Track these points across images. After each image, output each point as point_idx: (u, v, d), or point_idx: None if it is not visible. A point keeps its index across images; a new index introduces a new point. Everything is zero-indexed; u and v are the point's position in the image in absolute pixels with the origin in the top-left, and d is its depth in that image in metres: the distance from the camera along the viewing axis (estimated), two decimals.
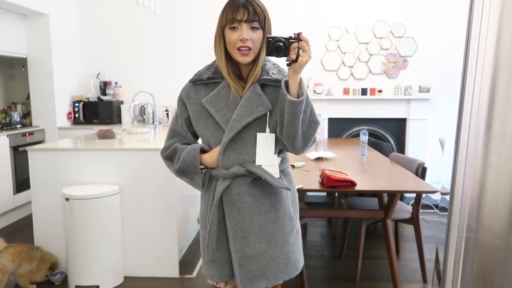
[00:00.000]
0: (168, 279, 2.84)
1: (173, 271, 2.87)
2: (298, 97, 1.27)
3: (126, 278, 2.85)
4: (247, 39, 1.32)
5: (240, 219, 1.40)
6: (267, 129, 1.36)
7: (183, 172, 1.44)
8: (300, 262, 1.50)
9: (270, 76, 1.38)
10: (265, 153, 1.37)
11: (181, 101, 1.48)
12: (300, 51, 1.23)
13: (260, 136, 1.37)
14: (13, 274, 2.63)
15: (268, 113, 1.36)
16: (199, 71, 1.46)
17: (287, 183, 1.45)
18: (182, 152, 1.44)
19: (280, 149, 1.43)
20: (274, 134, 1.37)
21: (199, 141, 1.53)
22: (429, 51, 4.65)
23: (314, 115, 1.33)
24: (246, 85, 1.39)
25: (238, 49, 1.33)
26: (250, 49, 1.33)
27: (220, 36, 1.37)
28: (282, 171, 1.44)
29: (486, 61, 0.90)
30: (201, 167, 1.43)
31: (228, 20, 1.33)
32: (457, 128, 0.97)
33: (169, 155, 1.49)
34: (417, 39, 4.63)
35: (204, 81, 1.43)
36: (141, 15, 4.79)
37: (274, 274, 1.42)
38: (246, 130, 1.36)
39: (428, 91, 4.61)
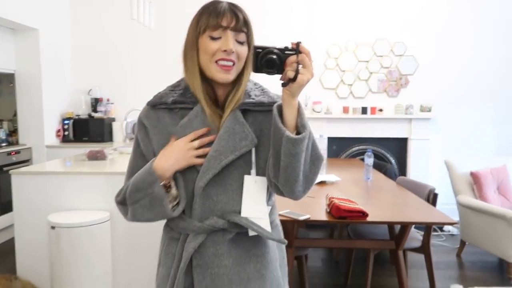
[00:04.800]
0: None
1: None
2: (297, 129, 0.98)
3: None
4: (232, 51, 1.01)
5: None
6: (253, 171, 1.06)
7: (138, 191, 1.05)
8: None
9: (253, 99, 1.07)
10: (253, 201, 1.06)
11: (143, 130, 1.12)
12: (300, 66, 0.93)
13: (248, 179, 1.05)
14: None
15: (253, 149, 1.06)
16: (160, 93, 1.13)
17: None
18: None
19: (269, 194, 1.11)
20: (264, 178, 1.06)
21: None
22: (430, 70, 4.56)
23: (317, 148, 1.02)
24: (224, 112, 1.07)
25: (217, 62, 1.02)
26: (234, 64, 1.03)
27: (194, 47, 1.05)
28: (270, 224, 1.11)
29: None
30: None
31: (209, 25, 1.02)
32: None
33: (123, 196, 1.11)
34: (418, 58, 4.54)
35: (168, 105, 1.09)
36: (135, 31, 4.65)
37: None
38: (226, 171, 1.04)
39: (429, 110, 4.51)
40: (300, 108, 0.98)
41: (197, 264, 1.07)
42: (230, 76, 1.04)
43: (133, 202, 1.07)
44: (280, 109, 0.99)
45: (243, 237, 1.09)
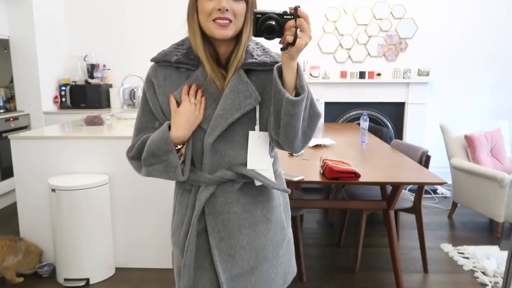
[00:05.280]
0: (161, 270, 2.75)
1: (167, 262, 2.77)
2: (296, 90, 1.03)
3: (117, 269, 2.74)
4: (226, 9, 1.03)
5: (226, 233, 1.17)
6: (257, 127, 1.13)
7: (153, 157, 1.11)
8: (289, 274, 1.29)
9: (256, 58, 1.12)
10: (258, 154, 1.15)
11: (152, 89, 1.16)
12: (298, 31, 0.95)
13: (252, 135, 1.13)
14: None
15: (257, 107, 1.12)
16: (164, 50, 1.16)
17: None
18: (150, 137, 1.14)
19: (271, 147, 1.21)
20: (267, 133, 1.14)
21: None
22: (429, 33, 4.50)
23: (315, 106, 1.07)
24: (228, 71, 1.12)
25: (214, 21, 1.05)
26: (231, 22, 1.06)
27: (194, 8, 1.09)
28: (274, 173, 1.21)
29: None
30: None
31: None
32: None
33: (136, 152, 1.16)
34: (417, 21, 4.47)
35: (172, 63, 1.13)
36: None
37: None
38: (232, 128, 1.12)
39: (427, 74, 4.49)
40: (299, 70, 1.02)
41: (209, 212, 1.17)
42: (228, 32, 1.06)
43: (147, 165, 1.14)
44: (280, 71, 1.03)
45: (250, 186, 1.17)
